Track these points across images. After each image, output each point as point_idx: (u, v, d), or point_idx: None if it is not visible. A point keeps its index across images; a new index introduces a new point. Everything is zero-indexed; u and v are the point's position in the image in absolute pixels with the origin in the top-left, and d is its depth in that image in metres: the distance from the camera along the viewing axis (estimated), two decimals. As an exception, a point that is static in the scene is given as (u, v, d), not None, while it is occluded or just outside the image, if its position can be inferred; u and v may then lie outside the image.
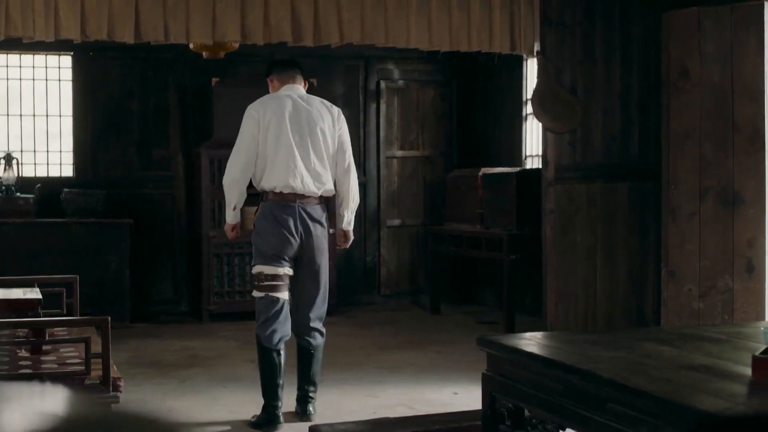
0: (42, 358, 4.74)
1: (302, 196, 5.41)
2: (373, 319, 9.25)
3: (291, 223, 5.38)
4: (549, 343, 3.40)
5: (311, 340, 5.52)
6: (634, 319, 7.21)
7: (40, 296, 5.15)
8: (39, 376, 4.31)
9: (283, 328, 5.42)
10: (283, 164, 5.38)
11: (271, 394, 5.40)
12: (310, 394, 5.55)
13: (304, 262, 5.48)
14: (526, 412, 3.27)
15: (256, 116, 5.43)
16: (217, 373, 6.76)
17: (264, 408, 5.43)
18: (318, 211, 5.48)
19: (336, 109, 5.67)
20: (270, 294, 5.39)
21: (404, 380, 6.58)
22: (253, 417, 5.49)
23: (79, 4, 6.15)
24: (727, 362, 3.02)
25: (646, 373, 2.81)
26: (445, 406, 5.58)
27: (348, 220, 5.64)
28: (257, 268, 5.46)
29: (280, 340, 5.41)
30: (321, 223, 5.49)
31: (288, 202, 5.40)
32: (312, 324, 5.52)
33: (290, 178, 5.38)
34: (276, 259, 5.39)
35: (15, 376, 4.38)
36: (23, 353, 4.81)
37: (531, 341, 3.40)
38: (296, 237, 5.40)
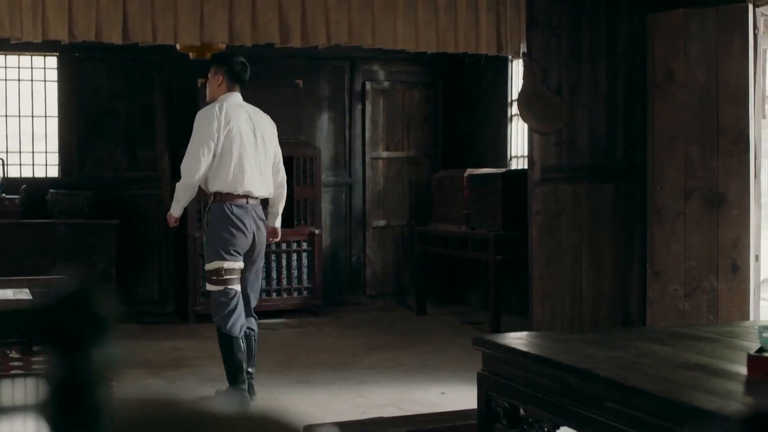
0: (32, 359, 4.74)
1: (254, 198, 5.93)
2: (359, 319, 9.27)
3: (247, 222, 5.87)
4: (544, 343, 3.44)
5: (255, 320, 6.04)
6: (619, 320, 7.27)
7: (31, 297, 5.15)
8: (30, 376, 4.31)
9: (242, 316, 5.91)
10: (241, 171, 5.85)
11: (240, 378, 5.85)
12: (251, 372, 5.96)
13: (253, 256, 5.97)
14: (522, 411, 3.30)
15: (215, 124, 5.81)
16: (205, 374, 6.76)
17: (232, 391, 5.82)
18: (261, 211, 6.03)
19: (272, 121, 6.17)
20: (228, 287, 5.83)
21: (392, 380, 6.60)
22: (217, 391, 5.99)
23: (67, 5, 6.14)
24: (721, 361, 3.06)
25: (642, 371, 2.85)
26: (433, 406, 5.61)
27: (278, 218, 6.23)
28: (216, 264, 5.85)
29: (241, 329, 5.87)
30: (264, 221, 6.04)
31: (243, 203, 5.88)
32: (252, 308, 6.04)
33: (249, 185, 5.87)
34: (233, 255, 5.84)
35: (5, 376, 4.38)
36: (13, 354, 4.81)
37: (526, 341, 3.43)
38: (250, 234, 5.89)
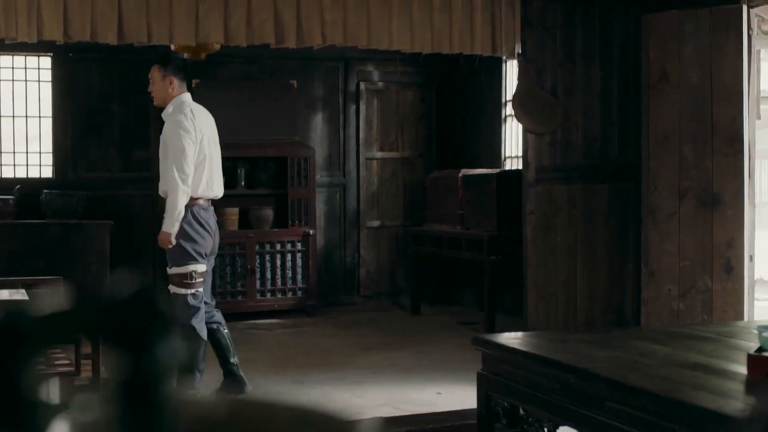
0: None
1: (214, 201, 6.00)
2: (353, 319, 9.27)
3: (211, 224, 5.93)
4: (544, 343, 3.45)
5: (220, 313, 6.10)
6: (614, 320, 7.28)
7: (27, 297, 5.14)
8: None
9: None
10: (208, 174, 5.88)
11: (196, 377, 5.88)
12: (235, 363, 6.02)
13: (213, 255, 6.04)
14: (521, 411, 3.31)
15: (192, 131, 5.77)
16: (200, 374, 6.75)
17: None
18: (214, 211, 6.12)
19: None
20: (198, 290, 5.85)
21: (387, 380, 6.60)
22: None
23: (62, 6, 6.13)
24: (721, 360, 3.07)
25: (642, 371, 2.86)
26: (429, 406, 5.61)
27: None
28: (190, 267, 5.82)
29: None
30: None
31: (207, 206, 5.93)
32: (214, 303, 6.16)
33: (217, 188, 5.95)
34: (204, 258, 5.89)
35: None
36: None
37: (526, 340, 3.44)
38: (213, 235, 5.94)
